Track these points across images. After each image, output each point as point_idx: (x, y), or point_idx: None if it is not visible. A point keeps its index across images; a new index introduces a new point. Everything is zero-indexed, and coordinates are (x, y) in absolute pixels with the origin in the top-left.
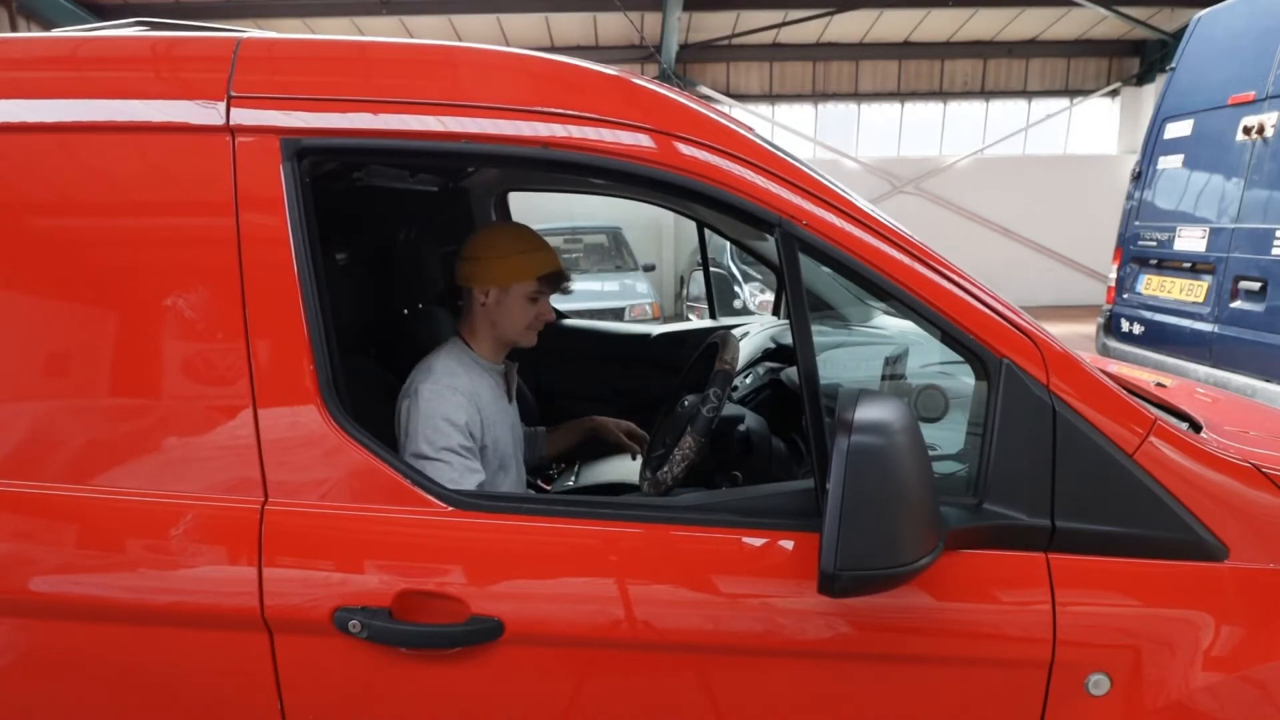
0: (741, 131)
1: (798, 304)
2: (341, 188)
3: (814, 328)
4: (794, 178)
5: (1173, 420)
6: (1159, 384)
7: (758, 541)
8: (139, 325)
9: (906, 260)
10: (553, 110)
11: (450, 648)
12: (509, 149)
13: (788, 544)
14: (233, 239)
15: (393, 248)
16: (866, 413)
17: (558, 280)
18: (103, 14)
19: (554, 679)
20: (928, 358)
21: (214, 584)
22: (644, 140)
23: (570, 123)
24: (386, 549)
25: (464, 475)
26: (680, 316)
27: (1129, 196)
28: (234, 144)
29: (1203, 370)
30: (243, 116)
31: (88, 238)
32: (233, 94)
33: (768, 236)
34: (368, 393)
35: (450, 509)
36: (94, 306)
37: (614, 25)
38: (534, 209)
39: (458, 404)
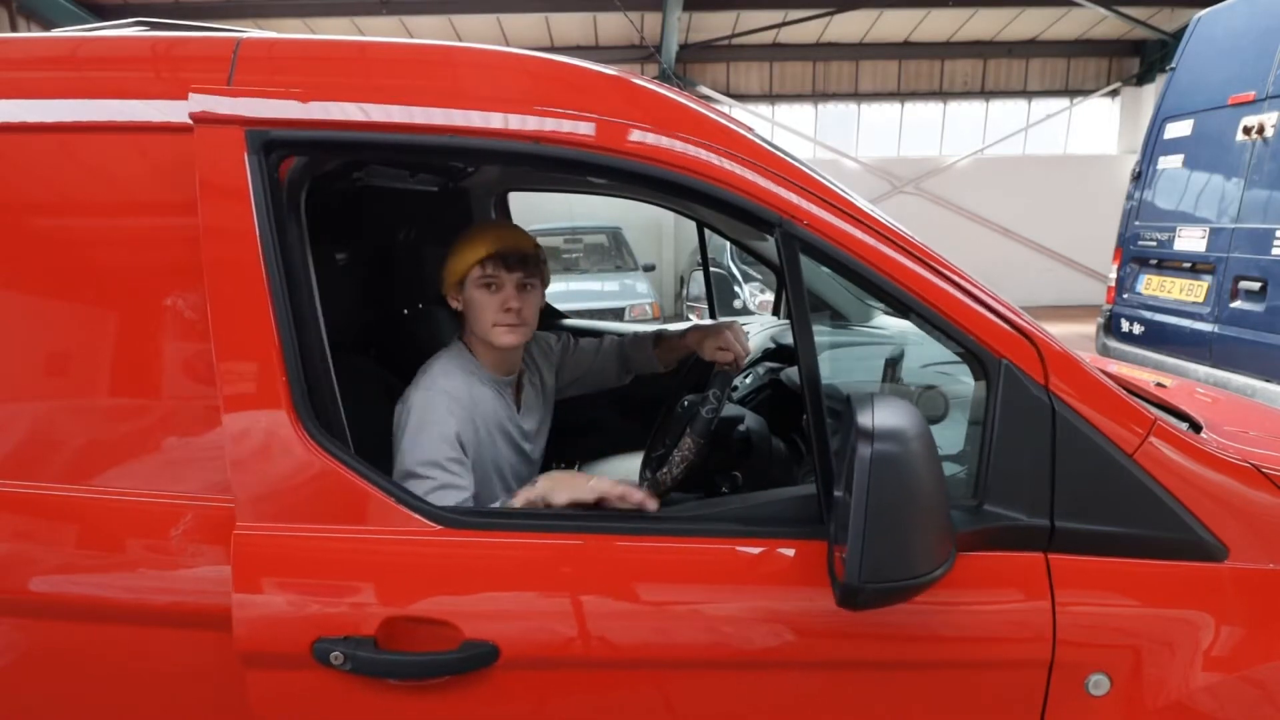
0: (741, 131)
1: (799, 304)
2: (341, 188)
3: (814, 328)
4: (794, 178)
5: (1173, 420)
6: (1159, 384)
7: (762, 551)
8: (139, 326)
9: (906, 260)
10: (550, 108)
11: (441, 676)
12: (503, 144)
13: (792, 552)
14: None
15: (392, 248)
16: (885, 419)
17: (505, 259)
18: (103, 14)
19: (554, 704)
20: (928, 358)
21: (214, 584)
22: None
23: (566, 120)
24: (370, 573)
25: (445, 492)
26: (680, 316)
27: (1129, 196)
28: None
29: (1203, 370)
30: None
31: (87, 238)
32: None
33: (767, 236)
34: (368, 394)
35: (438, 527)
36: (94, 307)
37: (614, 25)
38: (534, 209)
39: (448, 410)
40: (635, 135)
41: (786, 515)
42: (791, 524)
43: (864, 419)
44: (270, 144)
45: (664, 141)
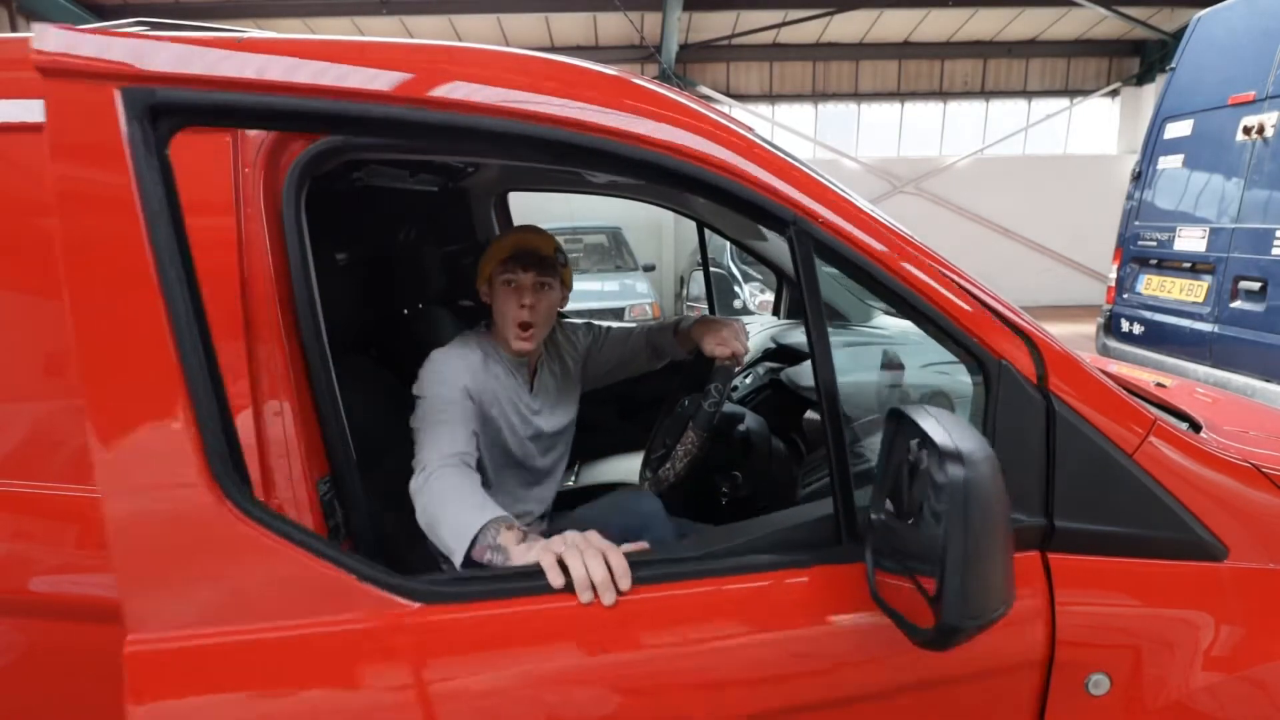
0: (742, 132)
1: (814, 307)
2: (342, 188)
3: None
4: (801, 178)
5: (1173, 420)
6: (1159, 384)
7: (771, 584)
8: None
9: (905, 261)
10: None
11: None
12: (492, 123)
13: (805, 579)
14: (234, 239)
15: (392, 248)
16: (964, 440)
17: (522, 259)
18: (103, 14)
19: None
20: (928, 358)
21: None
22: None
23: (564, 104)
24: (329, 676)
25: (451, 427)
26: None
27: (1129, 196)
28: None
29: (1203, 370)
30: None
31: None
32: None
33: (767, 236)
34: (368, 395)
35: (417, 605)
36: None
37: (614, 25)
38: (536, 209)
39: (459, 366)
40: (645, 126)
41: (810, 539)
42: (813, 549)
43: (940, 438)
44: (158, 109)
45: (680, 135)
